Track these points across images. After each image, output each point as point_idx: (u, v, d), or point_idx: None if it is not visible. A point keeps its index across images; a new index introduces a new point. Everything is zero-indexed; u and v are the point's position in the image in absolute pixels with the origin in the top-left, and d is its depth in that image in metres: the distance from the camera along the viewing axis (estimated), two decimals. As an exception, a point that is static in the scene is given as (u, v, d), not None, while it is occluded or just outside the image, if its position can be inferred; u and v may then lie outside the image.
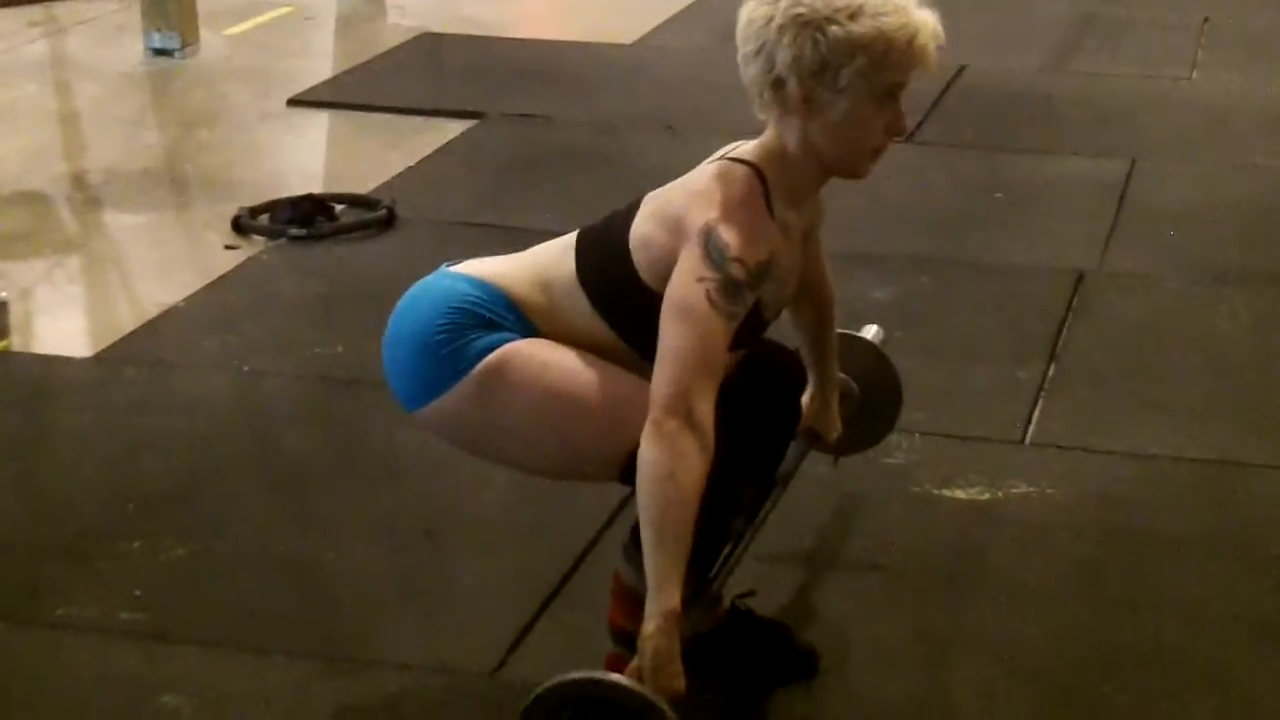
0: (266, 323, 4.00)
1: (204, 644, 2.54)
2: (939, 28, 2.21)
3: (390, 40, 6.83)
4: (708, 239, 2.15)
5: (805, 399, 2.62)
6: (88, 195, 5.06)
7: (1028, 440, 3.38)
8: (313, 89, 5.95)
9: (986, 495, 3.06)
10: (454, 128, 5.40)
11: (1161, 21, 7.13)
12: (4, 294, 4.13)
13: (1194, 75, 6.29)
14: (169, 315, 4.00)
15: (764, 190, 2.22)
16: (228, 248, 4.42)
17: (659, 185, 2.31)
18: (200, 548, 2.86)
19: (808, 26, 2.17)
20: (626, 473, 2.11)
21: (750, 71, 2.23)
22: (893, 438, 3.02)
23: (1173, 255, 4.39)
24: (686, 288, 2.15)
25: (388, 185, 4.84)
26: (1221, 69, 6.38)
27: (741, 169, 2.24)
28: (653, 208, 2.29)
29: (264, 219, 4.59)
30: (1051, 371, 3.62)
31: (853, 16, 2.17)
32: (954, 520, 3.01)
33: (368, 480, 3.17)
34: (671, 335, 2.14)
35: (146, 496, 3.12)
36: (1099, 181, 4.94)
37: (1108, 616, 2.67)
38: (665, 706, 1.96)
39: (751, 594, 2.55)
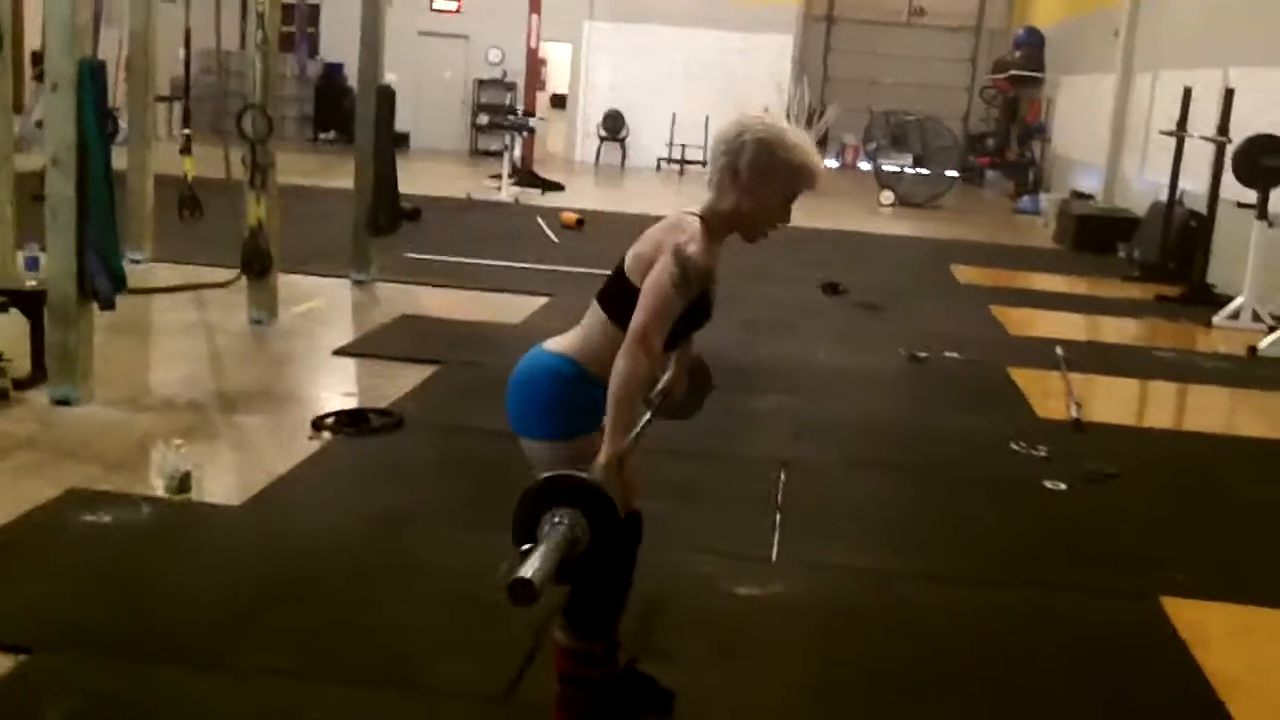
0: (332, 485, 5.14)
1: None
2: (823, 168, 2.66)
3: (381, 320, 8.82)
4: (676, 250, 2.62)
5: (669, 375, 3.06)
6: (224, 402, 6.37)
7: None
8: (345, 345, 7.93)
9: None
10: (425, 371, 7.14)
11: (807, 326, 9.65)
12: (188, 466, 4.98)
13: (821, 357, 8.62)
14: (285, 479, 5.15)
15: (706, 231, 2.70)
16: (309, 439, 5.76)
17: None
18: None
19: (763, 145, 2.65)
20: None
21: (719, 162, 2.68)
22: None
23: (835, 450, 6.26)
24: (659, 274, 2.59)
25: (397, 401, 6.38)
26: (837, 354, 8.72)
27: (693, 218, 2.73)
28: (641, 239, 2.69)
29: (329, 421, 5.90)
30: (778, 517, 5.09)
31: (787, 147, 2.65)
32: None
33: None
34: (645, 297, 2.57)
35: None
36: (788, 408, 7.01)
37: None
38: (608, 492, 2.37)
39: (636, 659, 3.29)
